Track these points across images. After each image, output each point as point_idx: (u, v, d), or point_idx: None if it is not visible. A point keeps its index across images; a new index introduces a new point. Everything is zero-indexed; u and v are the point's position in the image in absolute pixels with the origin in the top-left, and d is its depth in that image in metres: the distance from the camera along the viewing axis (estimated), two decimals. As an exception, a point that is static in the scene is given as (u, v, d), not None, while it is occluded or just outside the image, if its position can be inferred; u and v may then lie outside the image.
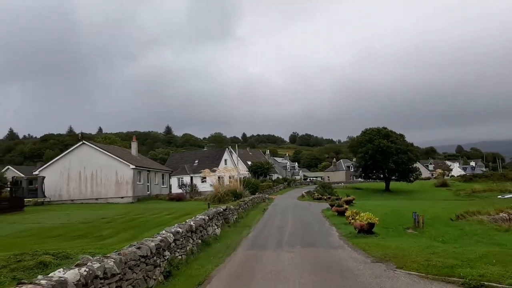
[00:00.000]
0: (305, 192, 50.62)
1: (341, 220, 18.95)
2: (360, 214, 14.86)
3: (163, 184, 48.07)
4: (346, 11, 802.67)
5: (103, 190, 39.03)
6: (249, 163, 76.77)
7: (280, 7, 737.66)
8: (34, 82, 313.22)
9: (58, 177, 39.39)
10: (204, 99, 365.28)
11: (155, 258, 8.48)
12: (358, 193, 55.34)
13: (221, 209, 17.74)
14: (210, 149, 74.86)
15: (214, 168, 42.41)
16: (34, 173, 41.19)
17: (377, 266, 9.24)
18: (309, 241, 13.79)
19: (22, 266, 9.23)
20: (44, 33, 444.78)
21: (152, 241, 8.68)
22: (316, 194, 46.71)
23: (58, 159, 41.02)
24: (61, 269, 5.78)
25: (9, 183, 38.23)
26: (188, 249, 11.10)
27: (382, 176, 71.74)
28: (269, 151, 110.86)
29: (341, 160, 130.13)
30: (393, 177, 69.97)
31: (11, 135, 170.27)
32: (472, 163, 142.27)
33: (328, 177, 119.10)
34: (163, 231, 10.03)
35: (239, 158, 63.86)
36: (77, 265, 6.12)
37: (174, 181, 56.02)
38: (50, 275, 5.42)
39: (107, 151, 40.47)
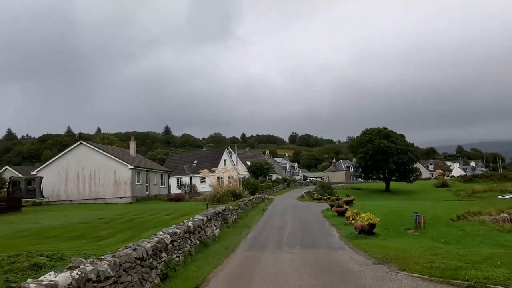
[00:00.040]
0: (304, 193, 50.42)
1: (341, 220, 18.75)
2: (361, 215, 14.64)
3: (162, 184, 47.88)
4: (346, 11, 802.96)
5: (102, 191, 38.84)
6: (249, 163, 76.60)
7: (280, 7, 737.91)
8: (34, 82, 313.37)
9: (56, 178, 39.19)
10: (204, 99, 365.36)
11: (151, 260, 8.27)
12: (358, 194, 55.15)
13: (220, 210, 17.54)
14: (209, 150, 74.66)
15: (213, 169, 42.20)
16: (32, 173, 41.00)
17: (378, 268, 9.04)
18: (309, 242, 13.59)
19: (15, 268, 9.07)
20: (44, 33, 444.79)
21: (148, 242, 8.48)
22: (316, 195, 46.49)
23: (55, 159, 40.85)
24: (52, 272, 5.59)
25: (7, 183, 38.01)
26: (185, 250, 10.89)
27: (382, 176, 71.54)
28: (269, 152, 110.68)
29: (341, 160, 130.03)
30: (393, 178, 69.77)
31: (10, 135, 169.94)
32: (472, 164, 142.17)
33: (328, 177, 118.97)
34: (160, 232, 9.84)
35: (238, 159, 63.67)
36: (70, 268, 5.92)
37: (173, 181, 55.80)
38: (40, 278, 5.22)
39: (105, 151, 40.28)
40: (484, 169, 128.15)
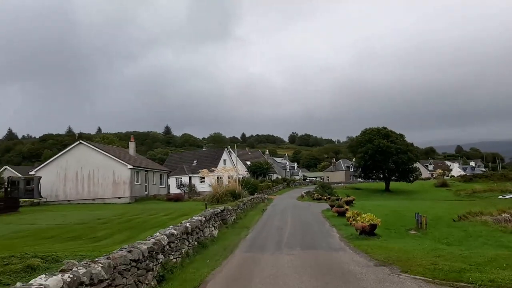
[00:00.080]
0: (304, 193, 50.23)
1: (342, 221, 18.55)
2: (362, 215, 14.42)
3: (161, 184, 47.67)
4: (346, 11, 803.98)
5: (100, 190, 38.61)
6: (248, 163, 76.39)
7: (280, 7, 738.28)
8: (34, 82, 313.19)
9: (54, 177, 38.97)
10: (204, 99, 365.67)
11: (147, 261, 8.09)
12: (358, 193, 54.94)
13: (219, 210, 17.33)
14: (209, 149, 74.48)
15: (213, 168, 41.94)
16: (30, 173, 40.78)
17: (380, 270, 8.86)
18: (309, 242, 13.40)
19: (8, 270, 8.91)
20: (44, 33, 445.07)
21: (144, 244, 8.29)
22: (315, 195, 46.30)
23: (54, 159, 40.62)
24: (43, 276, 5.43)
25: (5, 183, 37.79)
26: (183, 251, 10.70)
27: (382, 176, 71.32)
28: (268, 151, 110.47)
29: (341, 160, 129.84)
30: (393, 177, 69.55)
31: (10, 135, 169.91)
32: (472, 163, 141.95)
33: (328, 177, 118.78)
34: (157, 233, 9.66)
35: (238, 158, 63.44)
36: (62, 271, 5.75)
37: (172, 181, 55.63)
38: (30, 282, 5.05)
39: (104, 151, 40.05)
40: (483, 169, 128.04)
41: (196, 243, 12.25)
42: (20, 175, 50.85)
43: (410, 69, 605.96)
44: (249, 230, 17.29)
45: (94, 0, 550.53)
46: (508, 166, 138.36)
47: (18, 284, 5.12)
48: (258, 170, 71.89)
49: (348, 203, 27.77)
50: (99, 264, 6.21)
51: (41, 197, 37.31)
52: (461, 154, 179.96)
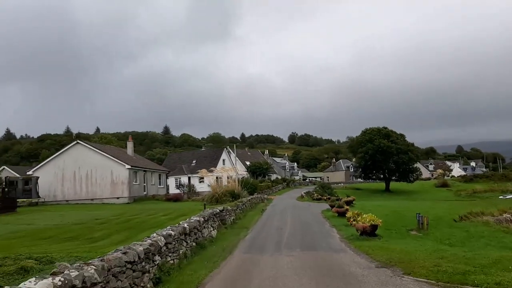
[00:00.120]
0: (304, 193, 50.03)
1: (342, 221, 18.36)
2: (363, 216, 14.21)
3: (160, 184, 47.46)
4: (346, 11, 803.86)
5: (98, 191, 38.37)
6: (248, 163, 76.16)
7: (280, 7, 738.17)
8: (34, 82, 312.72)
9: (52, 177, 38.73)
10: (204, 99, 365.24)
11: (143, 263, 7.89)
12: (358, 194, 54.76)
13: (218, 210, 17.12)
14: (208, 149, 74.28)
15: (212, 168, 41.75)
16: (28, 173, 40.52)
17: (382, 272, 8.66)
18: (309, 243, 13.21)
19: (1, 272, 8.77)
20: (44, 33, 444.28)
21: (140, 245, 8.09)
22: (315, 195, 46.10)
23: (52, 159, 40.36)
24: (33, 279, 5.26)
25: (3, 183, 37.55)
26: (181, 252, 10.49)
27: (382, 176, 71.11)
28: (268, 151, 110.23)
29: (341, 160, 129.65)
30: (393, 178, 69.35)
31: (9, 135, 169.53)
32: (473, 164, 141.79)
33: (328, 177, 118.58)
34: (154, 234, 9.46)
35: (237, 158, 63.30)
36: (53, 274, 5.55)
37: (171, 181, 55.42)
38: (19, 286, 4.88)
39: (102, 151, 39.80)
40: (484, 169, 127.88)
41: (194, 244, 12.04)
42: (18, 175, 50.67)
43: (410, 69, 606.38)
44: (248, 231, 17.10)
45: (94, 0, 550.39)
46: (509, 166, 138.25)
47: (6, 287, 4.94)
48: (258, 170, 71.65)
49: (348, 203, 27.57)
50: (92, 266, 6.02)
51: (39, 197, 37.08)
52: (462, 154, 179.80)
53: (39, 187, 37.53)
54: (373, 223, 13.38)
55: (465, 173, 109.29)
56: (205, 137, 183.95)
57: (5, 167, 62.02)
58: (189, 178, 55.77)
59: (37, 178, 37.80)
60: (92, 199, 38.00)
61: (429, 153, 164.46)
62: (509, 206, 27.63)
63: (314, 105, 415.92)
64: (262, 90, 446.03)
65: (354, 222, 14.48)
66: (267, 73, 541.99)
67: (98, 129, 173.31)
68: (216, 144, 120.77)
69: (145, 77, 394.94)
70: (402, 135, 69.63)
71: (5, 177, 40.32)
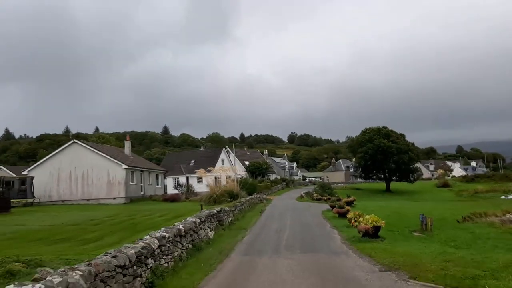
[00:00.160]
0: (304, 193, 49.62)
1: (343, 222, 17.93)
2: (365, 217, 13.74)
3: (157, 184, 46.98)
4: (345, 11, 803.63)
5: (95, 191, 37.86)
6: (247, 163, 75.66)
7: (279, 7, 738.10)
8: (33, 82, 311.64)
9: (48, 177, 38.22)
10: (202, 99, 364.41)
11: (135, 267, 7.46)
12: (359, 194, 54.32)
13: (215, 211, 16.67)
14: (207, 149, 73.94)
15: (210, 168, 41.28)
16: (23, 173, 39.99)
17: (386, 276, 8.25)
18: (309, 245, 12.79)
19: (-14, 276, 8.23)
20: (43, 33, 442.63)
21: (132, 248, 7.65)
22: (315, 195, 45.69)
23: (48, 159, 39.84)
24: (11, 286, 4.89)
25: (-1, 183, 37.03)
26: (176, 255, 10.06)
27: (382, 176, 70.66)
28: (267, 151, 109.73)
29: (340, 160, 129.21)
30: (394, 178, 68.92)
31: (7, 135, 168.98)
32: (473, 164, 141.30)
33: (327, 177, 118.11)
34: (147, 236, 9.04)
35: (236, 158, 62.87)
36: (34, 280, 5.18)
37: (169, 181, 54.94)
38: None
39: (99, 150, 39.28)
40: (484, 169, 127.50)
41: (190, 245, 11.62)
42: (14, 175, 50.13)
43: (409, 70, 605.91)
44: (247, 232, 16.69)
45: (93, 1, 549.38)
46: (509, 166, 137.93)
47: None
48: (257, 170, 71.13)
49: (349, 203, 27.12)
50: (77, 272, 5.61)
51: (34, 197, 36.56)
52: (462, 154, 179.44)
53: (34, 187, 37.02)
54: (375, 224, 12.93)
55: (466, 173, 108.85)
56: (205, 137, 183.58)
57: (1, 167, 61.52)
58: (187, 178, 55.35)
59: (32, 178, 37.27)
60: (88, 200, 37.50)
61: (429, 153, 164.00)
62: (512, 206, 27.21)
63: (313, 105, 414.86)
64: (261, 90, 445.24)
65: (355, 223, 14.04)
66: (265, 73, 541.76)
67: (97, 129, 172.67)
68: (216, 144, 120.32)
69: (144, 77, 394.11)
70: (402, 135, 69.20)
71: (1, 177, 39.80)
